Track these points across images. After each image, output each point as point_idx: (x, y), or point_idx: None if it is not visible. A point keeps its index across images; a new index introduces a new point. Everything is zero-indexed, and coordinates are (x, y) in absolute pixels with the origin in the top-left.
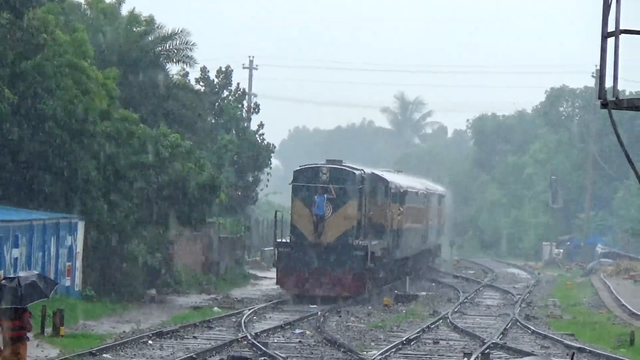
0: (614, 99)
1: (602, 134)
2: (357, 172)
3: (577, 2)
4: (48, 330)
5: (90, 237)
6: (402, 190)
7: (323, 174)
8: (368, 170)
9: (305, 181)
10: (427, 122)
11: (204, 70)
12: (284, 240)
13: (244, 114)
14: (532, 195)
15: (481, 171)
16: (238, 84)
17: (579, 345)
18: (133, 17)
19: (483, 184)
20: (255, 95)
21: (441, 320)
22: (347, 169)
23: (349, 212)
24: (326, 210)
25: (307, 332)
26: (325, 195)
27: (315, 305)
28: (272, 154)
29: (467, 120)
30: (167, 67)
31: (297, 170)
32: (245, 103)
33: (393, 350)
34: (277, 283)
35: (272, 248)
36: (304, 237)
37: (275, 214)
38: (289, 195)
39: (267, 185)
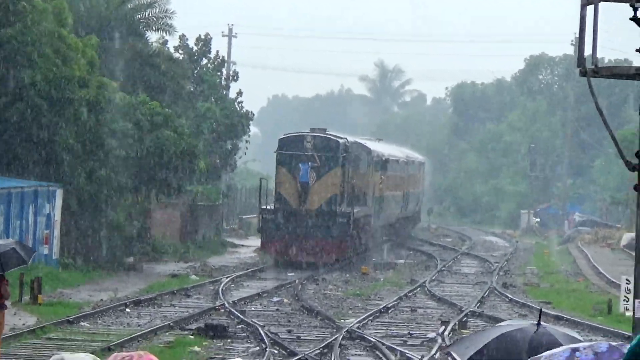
0: (593, 67)
1: (581, 102)
2: (340, 141)
3: None
4: (26, 298)
5: (69, 205)
6: (383, 159)
7: (307, 142)
8: (351, 139)
9: (290, 149)
10: (406, 90)
11: (182, 38)
12: (268, 207)
13: (223, 82)
14: (511, 163)
15: (460, 139)
16: (217, 51)
17: (555, 313)
18: None
19: (461, 152)
20: (235, 63)
21: (419, 289)
22: (331, 137)
23: (333, 179)
24: (310, 178)
25: (285, 300)
26: (310, 163)
27: (293, 273)
28: (250, 122)
29: (446, 88)
30: (146, 35)
31: (281, 138)
32: (224, 71)
33: (371, 318)
34: (261, 249)
35: (250, 216)
36: (288, 204)
37: (260, 181)
38: (268, 163)
39: (245, 153)
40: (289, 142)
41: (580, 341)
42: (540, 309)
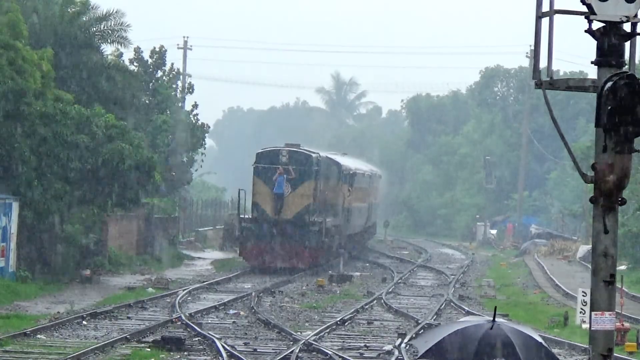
0: (548, 79)
1: (537, 114)
2: (313, 155)
3: None
4: None
5: (25, 217)
6: (351, 172)
7: (283, 156)
8: (323, 154)
9: (267, 163)
10: (362, 102)
11: (137, 50)
12: (247, 216)
13: (178, 95)
14: (466, 176)
15: (415, 151)
16: (172, 64)
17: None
18: None
19: (417, 164)
20: (190, 76)
21: (375, 301)
22: (305, 152)
23: (306, 191)
24: (285, 189)
25: (241, 313)
26: (285, 176)
27: (249, 285)
28: (206, 134)
29: (402, 100)
30: (101, 47)
31: (259, 152)
32: (179, 83)
33: (327, 330)
34: (239, 255)
35: (207, 228)
36: (265, 214)
37: (239, 192)
38: (223, 175)
39: (201, 166)
40: (266, 156)
41: (534, 339)
42: (495, 307)
